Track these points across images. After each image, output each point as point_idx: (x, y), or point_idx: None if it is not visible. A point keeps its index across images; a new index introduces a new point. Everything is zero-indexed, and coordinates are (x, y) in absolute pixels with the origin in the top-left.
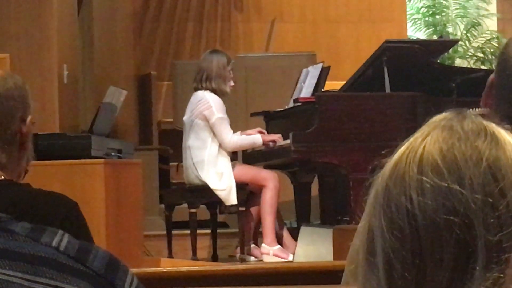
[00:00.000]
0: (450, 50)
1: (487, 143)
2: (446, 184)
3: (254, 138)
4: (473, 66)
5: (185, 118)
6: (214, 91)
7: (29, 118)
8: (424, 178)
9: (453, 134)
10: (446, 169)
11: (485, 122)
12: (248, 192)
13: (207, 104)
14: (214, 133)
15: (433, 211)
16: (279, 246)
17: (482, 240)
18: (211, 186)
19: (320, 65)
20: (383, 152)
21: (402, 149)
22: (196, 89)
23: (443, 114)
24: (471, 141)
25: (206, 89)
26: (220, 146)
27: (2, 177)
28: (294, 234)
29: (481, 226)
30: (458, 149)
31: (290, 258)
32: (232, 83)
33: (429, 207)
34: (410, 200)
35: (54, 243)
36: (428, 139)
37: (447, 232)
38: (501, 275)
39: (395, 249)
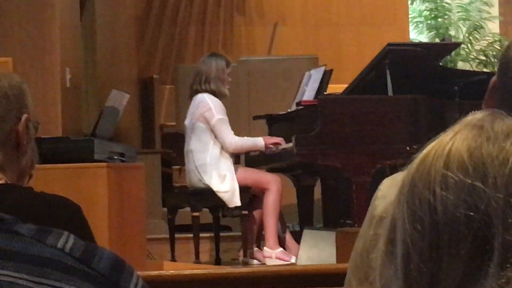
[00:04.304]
0: (453, 53)
1: None
2: (470, 181)
3: (256, 140)
4: (476, 69)
5: (186, 121)
6: (213, 92)
7: (24, 117)
8: (449, 173)
9: (482, 133)
10: (472, 166)
11: None
12: (251, 196)
13: (207, 106)
14: (215, 136)
15: (454, 206)
16: (281, 249)
17: (499, 239)
18: (214, 188)
19: (322, 68)
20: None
21: (431, 144)
22: (196, 92)
23: (476, 114)
24: (499, 141)
25: (205, 91)
26: (222, 148)
27: (3, 180)
28: (297, 237)
29: (500, 225)
30: (486, 148)
31: (293, 261)
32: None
33: (450, 201)
34: (433, 194)
35: (59, 245)
36: (458, 137)
37: (466, 227)
38: None
39: (414, 240)
